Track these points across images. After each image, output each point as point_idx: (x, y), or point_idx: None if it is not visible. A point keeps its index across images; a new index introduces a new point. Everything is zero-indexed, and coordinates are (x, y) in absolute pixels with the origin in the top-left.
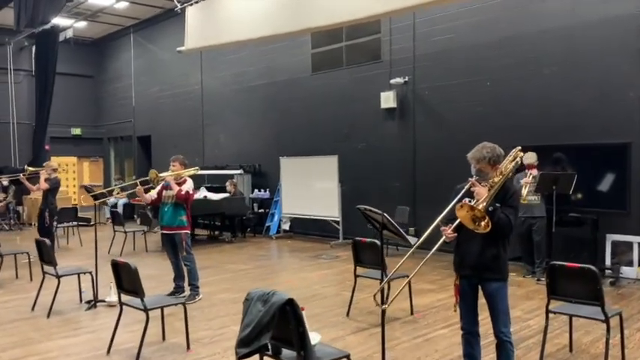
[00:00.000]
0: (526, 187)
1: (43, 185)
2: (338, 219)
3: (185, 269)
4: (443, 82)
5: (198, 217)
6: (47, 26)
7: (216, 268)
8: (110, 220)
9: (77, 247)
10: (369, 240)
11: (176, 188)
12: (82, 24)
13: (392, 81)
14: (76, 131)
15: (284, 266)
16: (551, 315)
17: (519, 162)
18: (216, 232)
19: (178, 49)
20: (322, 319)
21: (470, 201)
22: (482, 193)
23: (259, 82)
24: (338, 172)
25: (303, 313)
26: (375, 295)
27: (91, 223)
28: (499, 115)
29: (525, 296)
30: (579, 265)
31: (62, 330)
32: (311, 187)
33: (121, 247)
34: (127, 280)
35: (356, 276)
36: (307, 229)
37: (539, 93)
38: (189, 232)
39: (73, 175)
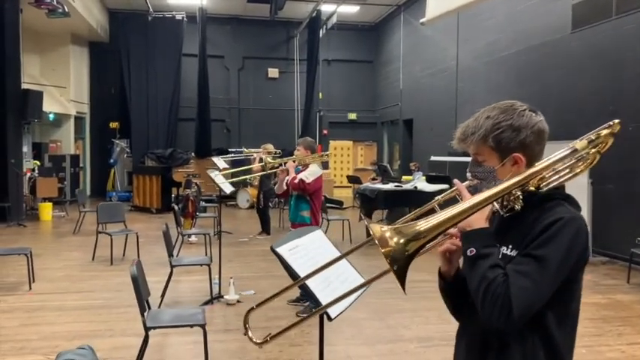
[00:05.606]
0: None
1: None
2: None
3: None
4: None
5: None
6: (313, 14)
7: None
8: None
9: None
10: None
11: (291, 175)
12: (354, 9)
13: None
14: (352, 116)
15: None
16: None
17: (601, 152)
18: None
19: (421, 20)
20: None
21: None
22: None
23: (510, 51)
24: None
25: None
26: None
27: (343, 207)
28: None
29: None
30: None
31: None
32: None
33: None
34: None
35: None
36: None
37: None
38: None
39: (347, 159)
